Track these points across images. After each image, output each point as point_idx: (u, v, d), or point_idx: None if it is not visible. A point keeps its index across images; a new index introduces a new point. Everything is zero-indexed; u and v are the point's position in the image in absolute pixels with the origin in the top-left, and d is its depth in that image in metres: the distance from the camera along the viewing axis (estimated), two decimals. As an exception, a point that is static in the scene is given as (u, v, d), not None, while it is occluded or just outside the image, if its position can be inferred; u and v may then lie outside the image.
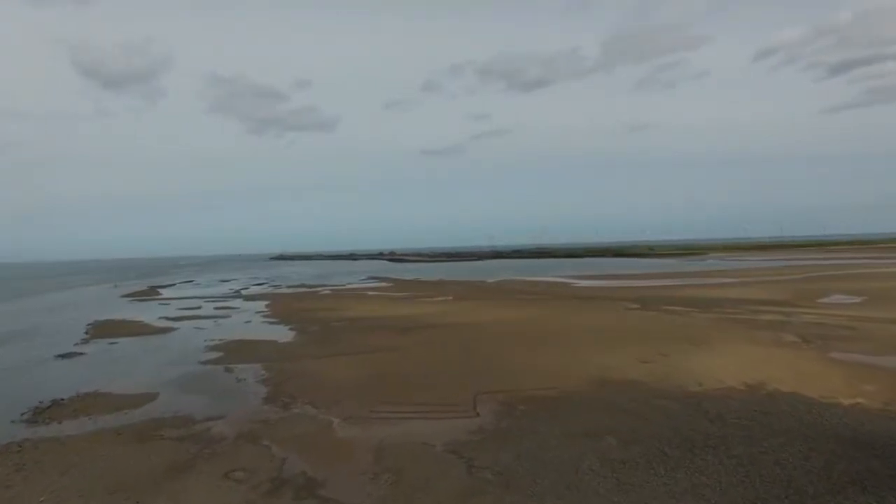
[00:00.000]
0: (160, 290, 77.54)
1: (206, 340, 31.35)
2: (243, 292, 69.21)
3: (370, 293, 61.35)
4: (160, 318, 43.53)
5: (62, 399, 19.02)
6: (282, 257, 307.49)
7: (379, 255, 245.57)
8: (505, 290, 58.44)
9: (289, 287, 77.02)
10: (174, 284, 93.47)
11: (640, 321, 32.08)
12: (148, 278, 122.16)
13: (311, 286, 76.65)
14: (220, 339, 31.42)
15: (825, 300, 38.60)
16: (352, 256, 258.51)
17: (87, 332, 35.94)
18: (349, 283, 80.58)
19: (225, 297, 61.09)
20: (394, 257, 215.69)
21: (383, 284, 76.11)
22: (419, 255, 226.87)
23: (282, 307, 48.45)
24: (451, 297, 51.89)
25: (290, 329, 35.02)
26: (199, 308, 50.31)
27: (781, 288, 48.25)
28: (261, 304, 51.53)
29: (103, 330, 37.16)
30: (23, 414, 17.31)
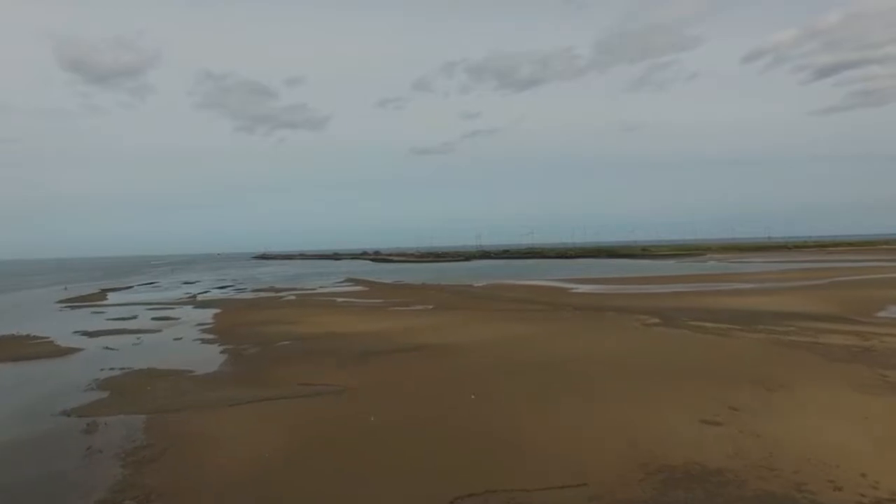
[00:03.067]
0: (108, 294, 69.30)
1: (102, 370, 23.69)
2: (199, 297, 61.24)
3: (339, 300, 53.59)
4: (75, 332, 35.66)
5: None
6: (264, 257, 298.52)
7: (362, 255, 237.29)
8: (494, 298, 51.02)
9: (253, 291, 69.06)
10: (131, 287, 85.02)
11: (670, 345, 24.81)
12: (111, 278, 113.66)
13: (277, 290, 68.72)
14: (122, 369, 23.77)
15: (886, 314, 31.62)
16: (335, 256, 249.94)
17: (-42, 356, 27.95)
18: (321, 287, 72.77)
19: (173, 304, 53.08)
20: (377, 257, 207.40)
21: (358, 288, 68.35)
22: (404, 254, 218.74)
23: (229, 318, 40.70)
24: (431, 306, 44.41)
25: (222, 351, 27.45)
26: (133, 318, 42.45)
27: (818, 296, 41.23)
28: (208, 314, 43.73)
29: (-14, 351, 29.22)
30: None
